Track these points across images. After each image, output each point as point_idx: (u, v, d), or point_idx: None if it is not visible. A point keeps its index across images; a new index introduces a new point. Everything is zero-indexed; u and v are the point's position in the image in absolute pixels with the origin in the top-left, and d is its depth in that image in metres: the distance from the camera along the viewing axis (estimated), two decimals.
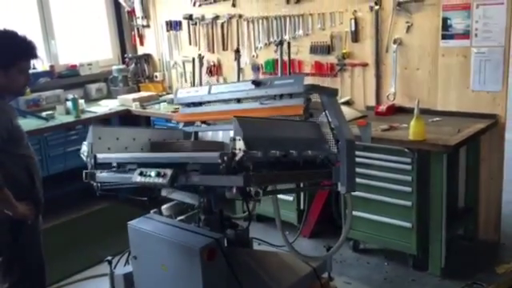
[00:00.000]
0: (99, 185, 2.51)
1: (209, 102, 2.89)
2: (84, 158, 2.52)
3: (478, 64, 3.38)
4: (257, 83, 2.63)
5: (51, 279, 3.14)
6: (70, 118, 4.46)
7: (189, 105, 2.99)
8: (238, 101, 2.77)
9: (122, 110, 4.79)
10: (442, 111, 3.55)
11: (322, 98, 2.40)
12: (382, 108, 3.74)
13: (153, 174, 2.20)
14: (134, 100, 4.83)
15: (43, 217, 2.71)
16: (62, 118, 4.45)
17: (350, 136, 2.31)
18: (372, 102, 3.93)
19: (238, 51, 3.14)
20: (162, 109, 4.70)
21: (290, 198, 3.78)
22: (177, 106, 4.57)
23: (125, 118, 4.84)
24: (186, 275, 2.40)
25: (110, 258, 2.79)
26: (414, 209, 3.12)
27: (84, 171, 2.49)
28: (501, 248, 3.46)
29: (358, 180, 2.29)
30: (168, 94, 5.33)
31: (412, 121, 3.02)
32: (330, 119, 2.36)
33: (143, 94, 5.15)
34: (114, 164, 2.48)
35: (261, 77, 4.58)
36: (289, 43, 3.49)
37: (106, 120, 4.69)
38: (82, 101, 4.72)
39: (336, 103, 2.46)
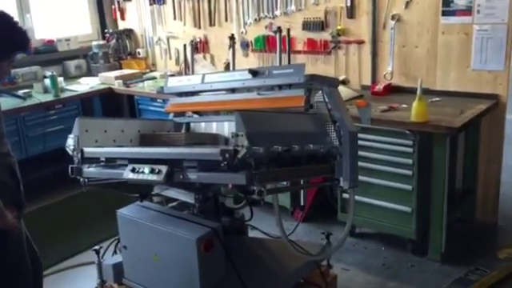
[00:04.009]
0: (86, 180, 2.37)
1: (202, 91, 2.73)
2: (70, 152, 2.37)
3: (480, 42, 3.26)
4: (254, 73, 2.49)
5: None
6: (49, 97, 4.23)
7: (180, 94, 2.80)
8: (233, 90, 2.63)
9: (103, 88, 4.55)
10: (441, 91, 3.43)
11: (322, 89, 2.31)
12: (379, 87, 3.60)
13: (146, 170, 2.09)
14: (117, 78, 4.59)
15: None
16: (40, 97, 4.21)
17: (353, 128, 2.22)
18: (368, 82, 3.79)
19: (232, 38, 2.95)
20: (146, 87, 4.49)
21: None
22: (162, 85, 4.42)
23: (107, 97, 4.62)
24: (181, 267, 2.27)
25: (97, 247, 2.65)
26: (415, 193, 3.02)
27: (70, 166, 2.35)
28: (499, 230, 3.39)
29: None
30: (152, 71, 5.12)
31: (414, 101, 2.89)
32: (331, 111, 2.27)
33: (126, 71, 4.91)
34: (103, 158, 2.33)
35: (250, 54, 4.41)
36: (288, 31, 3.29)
37: (87, 99, 4.45)
38: (61, 78, 4.46)
39: (337, 94, 2.35)
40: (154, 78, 4.76)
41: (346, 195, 3.30)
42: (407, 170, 3.01)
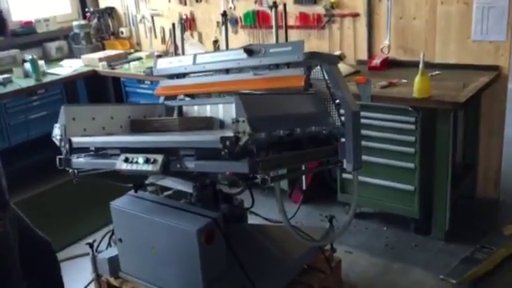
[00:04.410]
0: (76, 171, 2.26)
1: (194, 72, 2.60)
2: (57, 143, 2.25)
3: (481, 12, 3.13)
4: (249, 51, 2.37)
5: None
6: (30, 82, 4.01)
7: (171, 76, 2.66)
8: (227, 71, 2.51)
9: (87, 70, 4.34)
10: (440, 64, 3.31)
11: (323, 67, 2.21)
12: (376, 62, 3.47)
13: (140, 160, 2.00)
14: (101, 60, 4.38)
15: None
16: (20, 82, 3.98)
17: (356, 107, 2.14)
18: (364, 56, 3.65)
19: (225, 14, 2.80)
20: (131, 68, 4.29)
21: None
22: (149, 66, 4.24)
23: (91, 80, 4.43)
24: (181, 259, 2.18)
25: (90, 240, 2.53)
26: (417, 171, 2.93)
27: (58, 157, 2.23)
28: (501, 205, 3.34)
29: None
30: (137, 51, 4.92)
31: (416, 76, 2.77)
32: (332, 89, 2.20)
33: (110, 52, 4.69)
34: (93, 148, 2.22)
35: (239, 31, 4.24)
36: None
37: (70, 83, 4.25)
38: (42, 61, 4.25)
39: (338, 72, 2.26)
40: (139, 59, 4.56)
41: (345, 175, 3.20)
42: (409, 148, 2.91)
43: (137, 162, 2.03)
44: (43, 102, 4.09)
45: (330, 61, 2.30)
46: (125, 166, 2.06)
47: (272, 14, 2.53)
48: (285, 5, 3.12)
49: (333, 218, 2.61)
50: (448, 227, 2.98)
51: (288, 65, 2.37)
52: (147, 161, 2.00)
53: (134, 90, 4.32)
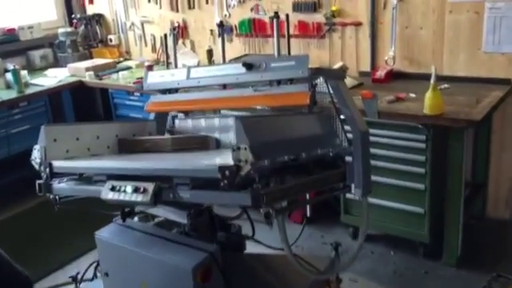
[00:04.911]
0: (57, 197, 2.07)
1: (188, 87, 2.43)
2: (36, 166, 2.04)
3: (493, 21, 2.95)
4: (249, 66, 2.16)
5: None
6: (12, 94, 3.77)
7: (163, 91, 2.44)
8: (225, 86, 2.31)
9: (73, 81, 4.10)
10: (448, 76, 3.11)
11: (328, 83, 2.03)
12: (380, 74, 3.28)
13: (129, 189, 1.80)
14: (88, 69, 4.15)
15: None
16: (1, 94, 3.75)
17: (365, 127, 1.98)
18: (366, 68, 3.46)
19: (221, 25, 2.59)
20: (120, 79, 4.06)
21: None
22: (139, 76, 4.02)
23: (77, 91, 4.18)
24: None
25: (74, 273, 2.31)
26: (428, 192, 2.73)
27: (37, 182, 2.03)
28: None
29: None
30: (126, 59, 4.70)
31: (428, 91, 2.57)
32: (337, 106, 2.02)
33: (97, 61, 4.46)
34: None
35: (234, 39, 4.02)
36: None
37: (55, 94, 4.01)
38: (24, 72, 4.00)
39: (345, 88, 2.07)
40: (129, 68, 4.35)
41: (350, 195, 2.99)
42: (419, 168, 2.71)
43: (125, 191, 1.83)
44: (26, 115, 3.86)
45: (336, 76, 2.13)
46: (111, 196, 1.87)
47: (274, 24, 2.31)
48: (287, 15, 2.91)
49: (339, 246, 2.40)
50: (460, 252, 2.78)
51: (291, 81, 2.19)
52: (136, 190, 1.81)
53: (123, 101, 4.09)
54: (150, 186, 1.77)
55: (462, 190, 2.67)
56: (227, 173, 1.57)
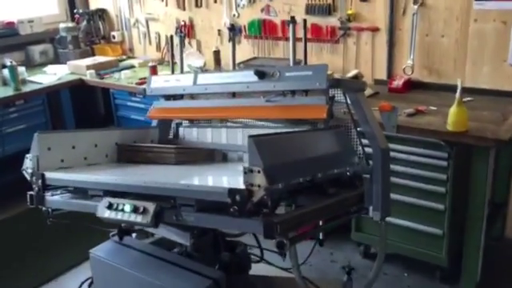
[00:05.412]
0: (50, 210, 1.94)
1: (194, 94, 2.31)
2: (28, 177, 1.92)
3: None
4: (261, 74, 2.00)
5: None
6: (8, 91, 3.59)
7: (167, 97, 2.30)
8: (234, 95, 2.19)
9: (73, 79, 3.92)
10: (471, 88, 2.91)
11: (347, 96, 1.88)
12: (398, 83, 3.10)
13: (127, 208, 1.65)
14: (89, 67, 3.96)
15: None
16: None
17: (385, 143, 1.84)
18: (382, 76, 3.27)
19: (232, 28, 2.41)
20: (123, 79, 3.87)
21: None
22: (142, 76, 3.85)
23: (77, 90, 4.00)
24: None
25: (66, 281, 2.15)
26: (448, 213, 2.55)
27: (28, 193, 1.91)
28: None
29: None
30: (129, 57, 4.52)
31: (452, 107, 2.39)
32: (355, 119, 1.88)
33: (99, 58, 4.28)
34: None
35: (243, 40, 3.84)
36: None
37: (54, 93, 3.83)
38: (22, 68, 3.82)
39: (365, 101, 1.92)
40: (131, 67, 4.17)
41: None
42: (440, 187, 2.53)
43: (123, 210, 1.69)
44: (22, 114, 3.69)
45: (356, 88, 1.96)
46: (108, 214, 1.73)
47: (289, 29, 2.14)
48: (305, 20, 2.72)
49: (352, 270, 2.24)
50: (479, 277, 2.61)
51: (306, 92, 2.03)
52: (135, 209, 1.67)
53: (125, 102, 3.92)
54: (151, 206, 1.63)
55: (484, 211, 2.49)
56: (238, 197, 1.44)
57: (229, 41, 2.39)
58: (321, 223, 1.87)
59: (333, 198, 1.75)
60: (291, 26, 2.18)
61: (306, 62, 2.63)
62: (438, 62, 3.06)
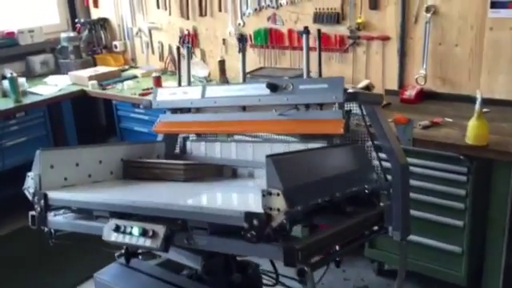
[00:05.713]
0: (53, 231, 1.86)
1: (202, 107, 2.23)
2: (29, 197, 1.83)
3: None
4: (273, 87, 1.91)
5: None
6: (8, 103, 3.50)
7: (174, 110, 2.19)
8: (244, 108, 2.11)
9: (75, 91, 3.82)
10: (487, 99, 2.78)
11: (364, 109, 1.81)
12: (410, 94, 3.00)
13: (135, 231, 1.55)
14: (91, 78, 3.87)
15: None
16: None
17: (404, 159, 1.78)
18: (393, 86, 3.18)
19: (242, 38, 2.32)
20: (125, 89, 3.78)
21: None
22: (145, 87, 3.76)
23: (79, 101, 3.90)
24: None
25: None
26: (467, 230, 2.44)
27: (30, 213, 1.83)
28: None
29: None
30: (132, 67, 4.43)
31: (472, 119, 2.29)
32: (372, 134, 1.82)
33: (101, 68, 4.19)
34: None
35: (248, 50, 3.75)
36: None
37: (55, 104, 3.73)
38: (22, 79, 3.73)
39: (383, 115, 1.84)
40: (134, 77, 4.08)
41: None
42: (459, 203, 2.43)
43: (130, 234, 1.59)
44: (22, 126, 3.59)
45: (373, 101, 1.88)
46: (115, 237, 1.63)
47: (303, 40, 2.05)
48: (319, 30, 2.63)
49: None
50: None
51: (321, 105, 1.93)
52: (144, 233, 1.57)
53: (128, 114, 3.82)
54: (161, 230, 1.54)
55: (505, 229, 2.39)
56: (255, 222, 1.36)
57: (238, 51, 2.29)
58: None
59: (352, 218, 1.67)
60: (305, 36, 2.09)
61: (320, 75, 2.53)
62: (452, 71, 2.97)
